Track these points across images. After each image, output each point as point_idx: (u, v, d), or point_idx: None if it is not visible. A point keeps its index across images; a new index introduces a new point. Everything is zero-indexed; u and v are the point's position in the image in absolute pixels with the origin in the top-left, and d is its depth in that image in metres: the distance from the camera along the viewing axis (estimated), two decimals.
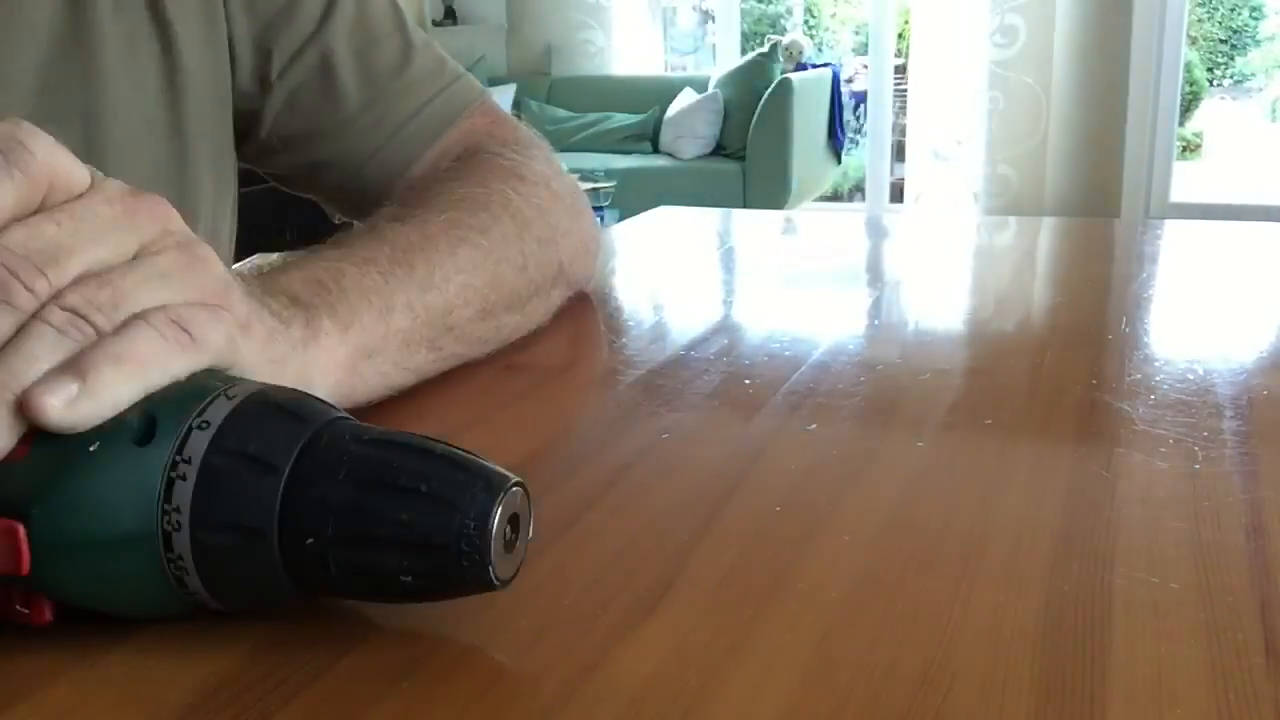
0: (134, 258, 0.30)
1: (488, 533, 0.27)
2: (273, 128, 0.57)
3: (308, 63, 0.56)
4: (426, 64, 0.61)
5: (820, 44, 6.17)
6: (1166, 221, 0.94)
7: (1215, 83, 6.12)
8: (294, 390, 0.31)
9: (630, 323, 0.63)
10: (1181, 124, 4.79)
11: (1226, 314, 0.63)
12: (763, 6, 6.42)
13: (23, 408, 0.27)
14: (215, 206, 0.57)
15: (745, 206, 4.03)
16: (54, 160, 0.29)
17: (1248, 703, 0.26)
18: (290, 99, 0.57)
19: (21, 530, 0.27)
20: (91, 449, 0.28)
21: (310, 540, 0.28)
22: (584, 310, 0.66)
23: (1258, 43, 6.15)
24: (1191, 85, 5.61)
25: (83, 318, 0.28)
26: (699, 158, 4.37)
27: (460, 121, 0.60)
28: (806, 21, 6.51)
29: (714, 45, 5.27)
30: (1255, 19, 6.11)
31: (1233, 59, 6.17)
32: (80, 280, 0.29)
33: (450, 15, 5.12)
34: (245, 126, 0.57)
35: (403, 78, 0.59)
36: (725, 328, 0.61)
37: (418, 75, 0.60)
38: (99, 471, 0.28)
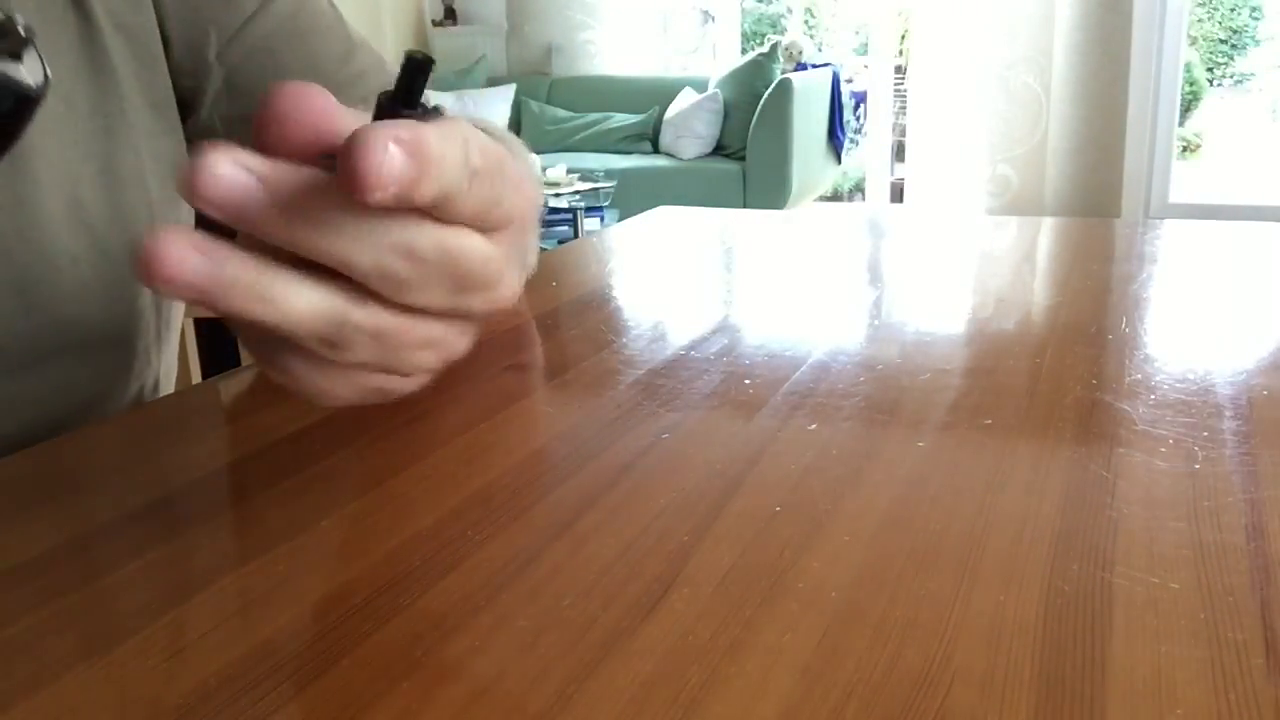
0: None
1: None
2: (213, 108, 0.56)
3: (247, 45, 0.55)
4: (369, 57, 0.60)
5: (820, 44, 6.17)
6: (1166, 221, 0.94)
7: (1215, 83, 6.12)
8: None
9: (630, 323, 0.63)
10: (1181, 124, 4.79)
11: (1226, 314, 0.63)
12: (763, 6, 6.41)
13: None
14: (162, 179, 0.55)
15: (745, 206, 4.04)
16: None
17: (1248, 703, 0.26)
18: (229, 80, 0.56)
19: None
20: None
21: None
22: (584, 310, 0.66)
23: (1258, 43, 6.14)
24: (1191, 85, 5.61)
25: None
26: (699, 158, 4.37)
27: None
28: (806, 21, 6.51)
29: (714, 45, 5.27)
30: (1255, 19, 6.11)
31: (1233, 59, 6.16)
32: None
33: (450, 15, 5.13)
34: (185, 106, 0.57)
35: (349, 67, 0.59)
36: (725, 328, 0.61)
37: (362, 66, 0.59)
38: None
